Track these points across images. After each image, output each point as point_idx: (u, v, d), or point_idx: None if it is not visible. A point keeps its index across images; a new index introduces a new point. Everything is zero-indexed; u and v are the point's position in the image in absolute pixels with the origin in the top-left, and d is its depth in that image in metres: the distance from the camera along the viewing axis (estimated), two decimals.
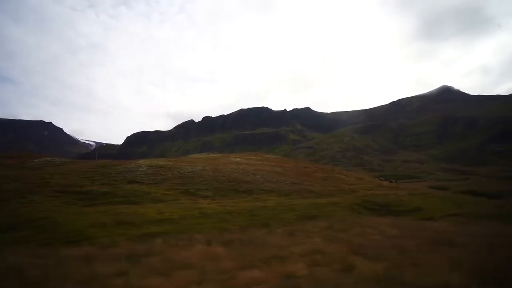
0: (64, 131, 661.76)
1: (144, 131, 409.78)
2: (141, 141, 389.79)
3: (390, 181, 64.03)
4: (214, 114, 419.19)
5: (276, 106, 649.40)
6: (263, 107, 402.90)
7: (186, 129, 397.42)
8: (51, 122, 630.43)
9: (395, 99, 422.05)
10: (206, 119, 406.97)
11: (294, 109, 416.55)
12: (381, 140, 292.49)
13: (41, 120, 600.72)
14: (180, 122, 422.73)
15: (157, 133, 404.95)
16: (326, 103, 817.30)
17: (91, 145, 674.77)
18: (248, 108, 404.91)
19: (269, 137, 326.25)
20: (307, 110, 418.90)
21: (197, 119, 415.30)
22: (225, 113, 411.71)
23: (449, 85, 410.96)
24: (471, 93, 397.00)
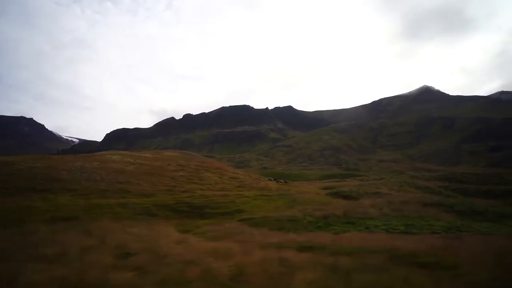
0: (46, 127, 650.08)
1: (123, 128, 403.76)
2: (120, 138, 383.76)
3: (278, 181, 61.53)
4: (200, 111, 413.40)
5: (261, 104, 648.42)
6: (244, 105, 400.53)
7: (166, 126, 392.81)
8: (32, 118, 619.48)
9: (377, 98, 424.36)
10: (187, 116, 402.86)
11: (276, 108, 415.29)
12: (360, 139, 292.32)
13: (21, 116, 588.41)
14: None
15: (136, 130, 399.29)
16: (312, 102, 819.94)
17: (74, 142, 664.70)
18: (230, 106, 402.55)
19: (249, 135, 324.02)
20: (289, 108, 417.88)
21: (180, 116, 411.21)
22: (211, 111, 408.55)
23: (429, 85, 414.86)
24: (451, 94, 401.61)
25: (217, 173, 58.60)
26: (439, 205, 33.65)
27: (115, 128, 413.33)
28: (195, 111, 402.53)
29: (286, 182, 62.97)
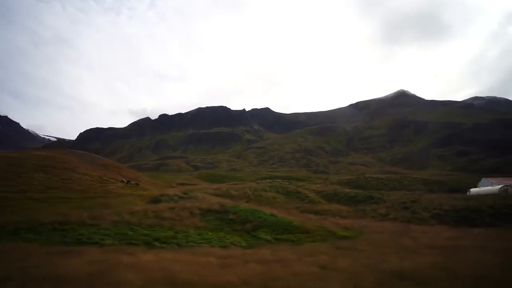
0: (22, 125, 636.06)
1: (97, 128, 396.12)
2: (94, 138, 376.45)
3: (128, 183, 59.49)
4: (182, 112, 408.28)
5: (240, 106, 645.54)
6: (221, 106, 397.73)
7: (141, 126, 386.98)
8: (6, 116, 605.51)
9: (354, 101, 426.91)
10: (163, 117, 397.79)
11: (253, 109, 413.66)
12: (334, 142, 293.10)
13: None
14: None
15: (111, 130, 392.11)
16: (291, 104, 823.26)
17: (51, 140, 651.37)
18: (206, 107, 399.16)
19: (224, 137, 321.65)
20: (266, 110, 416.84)
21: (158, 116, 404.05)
22: (187, 111, 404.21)
23: (405, 89, 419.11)
24: (426, 98, 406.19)
25: (52, 173, 54.45)
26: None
27: (91, 127, 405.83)
28: (175, 111, 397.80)
29: (137, 184, 60.45)
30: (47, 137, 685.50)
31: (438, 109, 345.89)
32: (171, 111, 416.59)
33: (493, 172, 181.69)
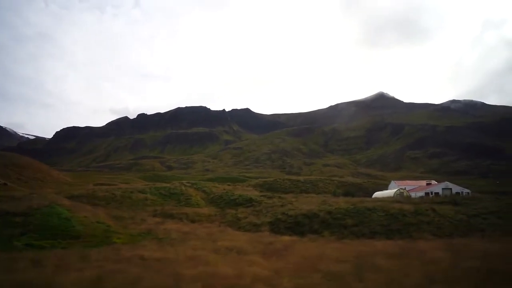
0: None
1: (74, 127, 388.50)
2: (70, 137, 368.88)
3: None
4: (165, 111, 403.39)
5: (222, 106, 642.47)
6: (201, 106, 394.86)
7: (120, 126, 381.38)
8: None
9: (334, 103, 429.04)
10: (141, 116, 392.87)
11: (233, 110, 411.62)
12: (311, 143, 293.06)
13: None
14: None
15: (88, 129, 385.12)
16: (274, 105, 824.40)
17: (30, 139, 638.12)
18: (186, 106, 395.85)
19: (202, 137, 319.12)
20: (246, 111, 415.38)
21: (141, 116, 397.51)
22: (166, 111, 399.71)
23: (385, 91, 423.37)
24: (405, 101, 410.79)
25: None
26: None
27: (68, 126, 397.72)
28: (158, 111, 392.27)
29: (5, 184, 57.75)
30: (25, 136, 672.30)
31: (416, 111, 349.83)
32: (153, 110, 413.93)
33: (463, 174, 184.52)
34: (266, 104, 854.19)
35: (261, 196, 52.29)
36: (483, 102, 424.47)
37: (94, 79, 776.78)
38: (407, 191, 70.71)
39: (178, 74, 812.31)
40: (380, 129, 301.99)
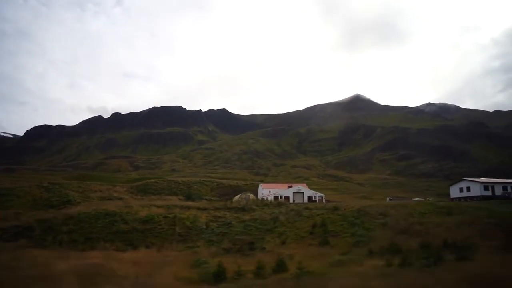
0: None
1: (45, 125, 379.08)
2: (41, 136, 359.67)
3: None
4: (135, 111, 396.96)
5: (200, 106, 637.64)
6: (177, 106, 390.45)
7: (93, 124, 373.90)
8: None
9: (311, 104, 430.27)
10: (115, 115, 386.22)
11: (209, 110, 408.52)
12: (285, 144, 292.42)
13: None
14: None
15: (60, 127, 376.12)
16: (251, 105, 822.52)
17: (6, 137, 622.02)
18: (161, 106, 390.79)
19: (175, 137, 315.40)
20: (223, 111, 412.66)
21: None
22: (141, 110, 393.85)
23: (361, 94, 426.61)
24: (381, 103, 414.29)
25: None
26: None
27: (37, 124, 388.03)
28: (137, 110, 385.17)
29: None
30: (1, 134, 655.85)
31: (390, 114, 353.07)
32: (133, 110, 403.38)
33: (427, 177, 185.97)
34: (244, 105, 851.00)
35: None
36: (457, 106, 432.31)
37: (73, 77, 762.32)
38: (253, 195, 72.16)
39: (158, 74, 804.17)
40: (353, 131, 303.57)
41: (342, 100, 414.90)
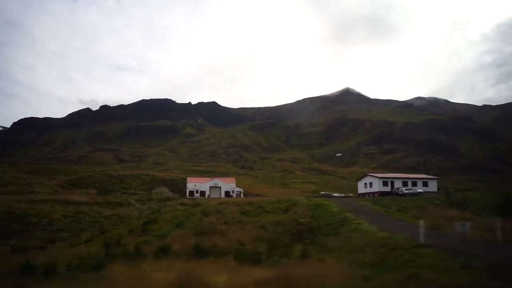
0: None
1: (32, 117, 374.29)
2: (28, 128, 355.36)
3: None
4: (123, 104, 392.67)
5: (190, 99, 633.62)
6: (166, 99, 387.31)
7: (80, 117, 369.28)
8: None
9: (301, 98, 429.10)
10: (104, 108, 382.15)
11: (199, 103, 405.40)
12: (273, 138, 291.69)
13: None
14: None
15: (47, 120, 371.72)
16: (243, 98, 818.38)
17: None
18: (150, 99, 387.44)
19: (163, 130, 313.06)
20: (213, 104, 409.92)
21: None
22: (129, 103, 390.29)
23: (351, 87, 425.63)
24: (371, 97, 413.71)
25: None
26: None
27: (26, 117, 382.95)
28: (128, 103, 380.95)
29: None
30: None
31: (378, 107, 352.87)
32: (123, 102, 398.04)
33: (410, 170, 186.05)
34: (235, 98, 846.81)
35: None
36: (447, 100, 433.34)
37: (63, 69, 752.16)
38: (169, 190, 73.69)
39: (150, 67, 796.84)
40: (341, 124, 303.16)
41: (332, 93, 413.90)
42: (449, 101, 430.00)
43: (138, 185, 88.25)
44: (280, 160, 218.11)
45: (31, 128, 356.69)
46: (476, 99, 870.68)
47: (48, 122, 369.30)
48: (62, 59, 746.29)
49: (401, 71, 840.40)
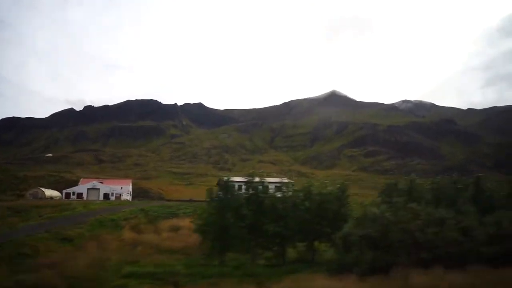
0: None
1: (13, 117, 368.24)
2: (9, 128, 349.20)
3: None
4: (108, 104, 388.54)
5: (176, 100, 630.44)
6: (151, 100, 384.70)
7: (64, 117, 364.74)
8: None
9: (288, 100, 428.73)
10: (88, 108, 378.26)
11: (185, 104, 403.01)
12: (257, 140, 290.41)
13: None
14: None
15: (29, 119, 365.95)
16: (229, 100, 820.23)
17: None
18: (136, 99, 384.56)
19: (147, 131, 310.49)
20: (199, 105, 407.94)
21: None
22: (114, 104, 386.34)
23: (338, 90, 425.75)
24: (357, 99, 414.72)
25: None
26: None
27: (8, 116, 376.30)
28: (116, 102, 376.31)
29: None
30: None
31: (363, 110, 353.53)
32: (111, 102, 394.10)
33: (390, 173, 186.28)
34: (221, 99, 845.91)
35: None
36: (432, 103, 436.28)
37: (51, 68, 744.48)
38: (42, 191, 73.79)
39: (138, 67, 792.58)
40: (326, 127, 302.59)
41: (318, 96, 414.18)
42: (435, 105, 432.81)
43: (42, 185, 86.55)
44: (260, 162, 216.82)
45: (12, 128, 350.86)
46: (463, 103, 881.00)
47: (30, 122, 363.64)
48: (51, 58, 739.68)
49: (388, 74, 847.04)
